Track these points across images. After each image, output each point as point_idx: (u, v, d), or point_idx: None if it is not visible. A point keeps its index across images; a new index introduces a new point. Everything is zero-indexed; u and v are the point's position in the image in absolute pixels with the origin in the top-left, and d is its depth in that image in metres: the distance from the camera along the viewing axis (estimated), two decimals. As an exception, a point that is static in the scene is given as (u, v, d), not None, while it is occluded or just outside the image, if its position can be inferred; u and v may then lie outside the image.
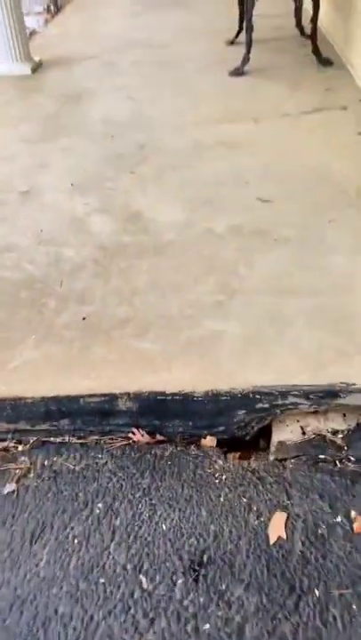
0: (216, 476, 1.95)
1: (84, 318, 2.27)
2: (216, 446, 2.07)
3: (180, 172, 3.35)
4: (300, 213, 2.88)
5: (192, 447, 2.05)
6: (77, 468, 1.99)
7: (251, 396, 1.94)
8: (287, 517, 1.83)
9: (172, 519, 1.83)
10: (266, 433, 2.12)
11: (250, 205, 2.97)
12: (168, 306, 2.34)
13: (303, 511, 1.85)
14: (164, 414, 2.01)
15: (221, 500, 1.88)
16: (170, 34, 5.66)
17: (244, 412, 1.98)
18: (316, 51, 4.79)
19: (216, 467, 1.98)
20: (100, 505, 1.88)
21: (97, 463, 2.00)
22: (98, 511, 1.86)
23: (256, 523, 1.81)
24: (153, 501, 1.88)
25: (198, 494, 1.89)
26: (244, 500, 1.88)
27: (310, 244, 2.67)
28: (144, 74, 4.86)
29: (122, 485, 1.93)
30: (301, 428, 2.07)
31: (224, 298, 2.35)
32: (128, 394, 1.95)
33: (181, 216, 2.94)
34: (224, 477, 1.94)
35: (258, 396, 1.94)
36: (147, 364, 2.07)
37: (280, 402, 1.95)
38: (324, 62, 4.75)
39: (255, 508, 1.85)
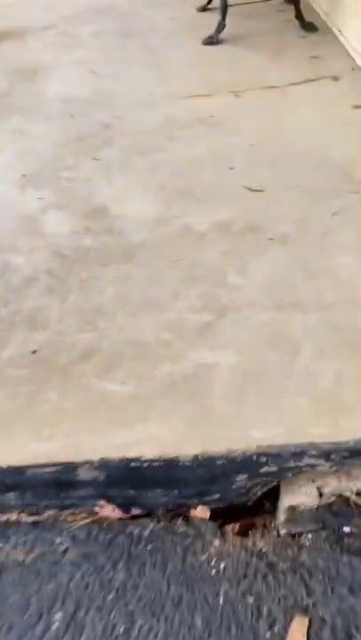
0: (212, 564, 1.48)
1: (34, 351, 1.77)
2: (210, 518, 1.59)
3: (151, 156, 2.84)
4: (297, 204, 2.39)
5: (179, 521, 1.57)
6: (28, 560, 1.50)
7: (254, 458, 1.46)
8: (309, 624, 1.36)
9: (157, 633, 1.36)
10: (272, 491, 1.64)
11: (237, 195, 2.48)
12: (141, 329, 1.85)
13: (330, 613, 1.38)
14: (141, 483, 1.52)
15: (221, 600, 1.41)
16: (133, 0, 5.09)
17: (245, 477, 1.51)
18: (298, 15, 4.27)
19: (211, 550, 1.50)
20: (58, 615, 1.39)
21: (54, 551, 1.51)
22: (56, 625, 1.38)
23: (269, 635, 1.35)
24: (130, 607, 1.40)
25: (190, 594, 1.42)
26: (251, 599, 1.41)
27: (313, 242, 2.19)
28: (107, 46, 4.31)
29: (88, 584, 1.44)
30: (318, 488, 1.60)
31: (212, 317, 1.86)
32: (91, 462, 1.46)
33: (154, 210, 2.44)
34: (222, 566, 1.47)
35: (263, 459, 1.46)
36: (116, 415, 1.58)
37: (292, 464, 1.48)
38: (308, 28, 4.24)
39: (266, 612, 1.38)
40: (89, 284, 2.03)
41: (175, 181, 2.62)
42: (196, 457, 1.46)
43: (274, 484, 1.57)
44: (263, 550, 1.51)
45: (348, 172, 2.55)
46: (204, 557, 1.49)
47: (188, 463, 1.47)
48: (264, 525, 1.62)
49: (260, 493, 1.59)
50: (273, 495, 1.63)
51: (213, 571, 1.46)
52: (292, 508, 1.58)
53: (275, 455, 1.46)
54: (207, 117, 3.16)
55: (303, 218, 2.30)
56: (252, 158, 2.73)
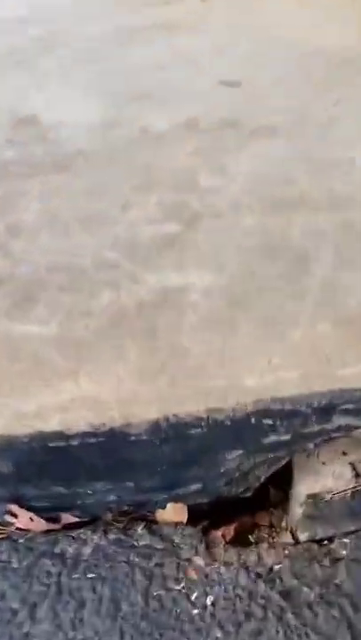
0: (193, 597, 0.91)
1: None
2: (188, 521, 1.01)
3: (99, 63, 2.23)
4: (287, 95, 1.81)
5: (139, 530, 0.99)
6: None
7: (253, 421, 0.88)
8: None
9: None
10: (282, 473, 1.07)
11: (208, 92, 1.89)
12: (75, 250, 1.26)
13: (395, 673, 0.81)
14: (74, 473, 0.95)
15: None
16: None
17: (239, 452, 0.93)
18: None
19: (192, 573, 0.93)
20: None
21: None
22: None
23: None
24: None
25: (158, 654, 0.85)
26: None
27: (312, 133, 1.61)
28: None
29: (-13, 647, 0.86)
30: (352, 465, 1.03)
31: (179, 228, 1.28)
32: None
33: (100, 116, 1.84)
34: (210, 600, 0.90)
35: (268, 422, 0.88)
36: (30, 369, 1.00)
37: (314, 427, 0.91)
38: None
39: None
40: (4, 201, 1.44)
41: (129, 85, 2.03)
42: (156, 424, 0.88)
43: (284, 461, 1.00)
44: (274, 569, 0.94)
45: (349, 57, 1.97)
46: (179, 587, 0.92)
47: (144, 435, 0.90)
48: (272, 527, 1.06)
49: (263, 478, 1.02)
50: (284, 479, 1.06)
51: (196, 610, 0.89)
52: (315, 499, 1.02)
53: (286, 414, 0.89)
54: (168, 23, 2.55)
55: (296, 109, 1.72)
56: (226, 54, 2.14)
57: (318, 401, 0.89)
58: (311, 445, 0.94)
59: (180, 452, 0.92)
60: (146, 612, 0.88)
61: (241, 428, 0.90)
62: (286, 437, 0.92)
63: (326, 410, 0.89)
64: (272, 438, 0.91)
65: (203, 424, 0.89)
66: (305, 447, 0.95)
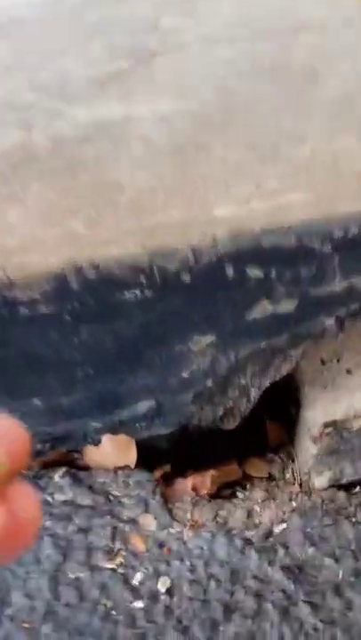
0: (137, 582, 0.52)
1: None
2: (137, 465, 0.63)
3: None
4: None
5: (56, 477, 0.61)
6: None
7: (230, 272, 0.50)
8: None
9: None
10: (282, 387, 0.70)
11: None
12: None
13: None
14: None
15: None
16: None
17: (211, 339, 0.55)
18: None
19: (136, 544, 0.55)
20: None
21: None
22: None
23: None
24: None
25: None
26: None
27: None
28: None
29: None
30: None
31: (128, 64, 0.89)
32: None
33: (46, -8, 1.45)
34: (163, 587, 0.52)
35: (257, 272, 0.50)
36: None
37: (337, 283, 0.53)
38: None
39: None
40: None
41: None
42: (61, 280, 0.51)
43: (287, 367, 0.62)
44: (275, 531, 0.56)
45: None
46: (113, 565, 0.54)
47: (44, 303, 0.52)
48: (271, 480, 0.68)
49: (254, 395, 0.64)
50: (289, 404, 0.70)
51: (139, 602, 0.51)
52: (336, 427, 0.65)
53: (288, 257, 0.51)
54: None
55: None
56: None
57: (344, 229, 0.51)
58: (330, 322, 0.56)
59: (110, 336, 0.54)
60: (53, 607, 0.51)
61: (210, 289, 0.52)
62: (289, 307, 0.53)
63: (358, 246, 0.51)
64: (264, 308, 0.53)
65: (142, 280, 0.51)
66: (321, 328, 0.57)
